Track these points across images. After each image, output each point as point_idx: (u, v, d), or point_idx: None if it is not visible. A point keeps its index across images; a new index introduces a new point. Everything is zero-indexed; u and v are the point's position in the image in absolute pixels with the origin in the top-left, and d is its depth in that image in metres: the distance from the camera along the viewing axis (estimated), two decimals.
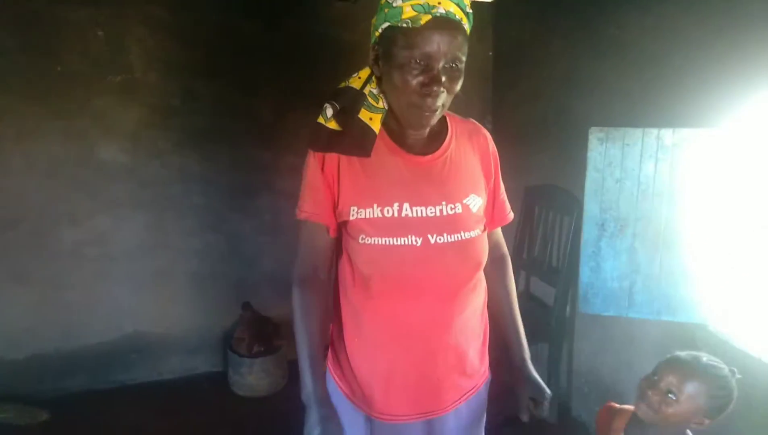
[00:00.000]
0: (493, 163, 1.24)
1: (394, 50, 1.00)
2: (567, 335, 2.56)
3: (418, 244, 1.09)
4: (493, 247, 1.30)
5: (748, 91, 1.69)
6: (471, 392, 1.23)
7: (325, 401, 1.09)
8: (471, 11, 1.04)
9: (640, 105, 2.07)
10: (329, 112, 1.09)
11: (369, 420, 1.20)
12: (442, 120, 1.20)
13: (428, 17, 0.97)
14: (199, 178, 2.83)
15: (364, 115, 1.09)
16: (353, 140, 1.08)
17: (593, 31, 2.35)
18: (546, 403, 1.16)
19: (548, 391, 1.18)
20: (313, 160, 1.13)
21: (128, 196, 2.73)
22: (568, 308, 2.52)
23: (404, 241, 1.08)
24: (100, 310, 2.78)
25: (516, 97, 3.04)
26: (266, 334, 2.84)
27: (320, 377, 1.12)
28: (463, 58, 1.02)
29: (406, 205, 1.09)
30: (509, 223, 1.32)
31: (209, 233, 2.91)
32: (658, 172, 1.73)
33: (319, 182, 1.12)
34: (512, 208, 1.32)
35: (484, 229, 1.21)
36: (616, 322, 2.24)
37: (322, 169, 1.12)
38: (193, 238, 2.88)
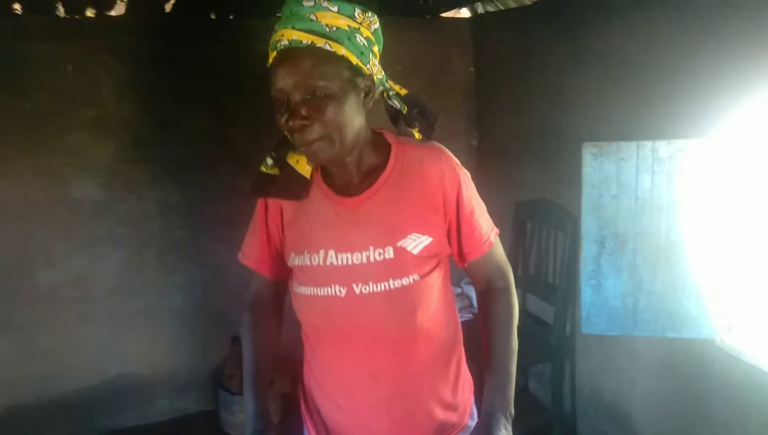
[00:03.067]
0: (453, 191, 1.06)
1: None
2: (568, 354, 2.48)
3: (342, 294, 1.03)
4: (483, 280, 1.18)
5: (742, 97, 1.64)
6: None
7: (260, 416, 1.06)
8: (342, 26, 0.94)
9: (631, 117, 2.01)
10: (269, 161, 1.10)
11: None
12: (384, 153, 1.07)
13: (274, 53, 0.95)
14: (179, 211, 2.73)
15: (291, 158, 1.09)
16: (283, 184, 1.08)
17: (574, 41, 2.30)
18: None
19: None
20: (259, 204, 1.15)
21: (106, 234, 2.62)
22: (567, 326, 2.45)
23: (328, 290, 1.04)
24: (81, 355, 2.65)
25: (500, 112, 2.99)
26: None
27: (259, 393, 1.09)
28: (323, 83, 0.92)
29: (331, 253, 1.04)
30: (503, 240, 1.22)
31: (192, 267, 2.80)
32: (656, 185, 1.67)
33: (258, 226, 1.15)
34: (502, 224, 1.23)
35: (431, 272, 1.07)
36: (619, 339, 2.17)
37: (266, 214, 1.13)
38: (176, 274, 2.77)
